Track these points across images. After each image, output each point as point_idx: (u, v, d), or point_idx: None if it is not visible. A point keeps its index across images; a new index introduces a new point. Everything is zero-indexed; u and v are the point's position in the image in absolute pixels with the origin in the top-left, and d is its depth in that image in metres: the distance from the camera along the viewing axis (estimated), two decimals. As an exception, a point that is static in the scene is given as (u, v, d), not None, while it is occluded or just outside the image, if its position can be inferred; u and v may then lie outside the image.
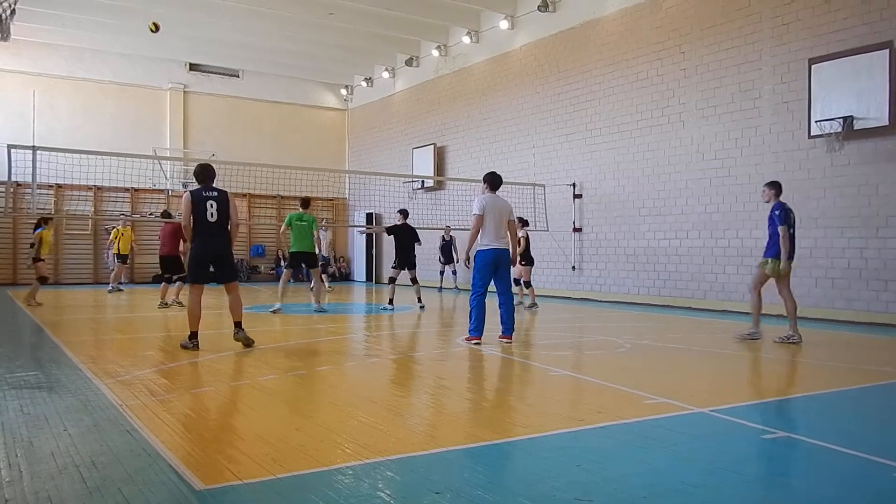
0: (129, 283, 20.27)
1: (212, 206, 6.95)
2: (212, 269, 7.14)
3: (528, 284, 12.69)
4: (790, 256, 7.87)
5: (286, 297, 12.00)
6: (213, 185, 7.19)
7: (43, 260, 12.91)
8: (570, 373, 6.41)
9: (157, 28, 12.11)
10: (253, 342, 7.23)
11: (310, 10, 17.50)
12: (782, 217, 7.90)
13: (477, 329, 7.58)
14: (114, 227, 16.99)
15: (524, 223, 12.79)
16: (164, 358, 6.75)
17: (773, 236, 7.96)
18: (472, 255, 7.84)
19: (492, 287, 7.69)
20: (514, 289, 12.28)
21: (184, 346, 7.05)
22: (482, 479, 3.26)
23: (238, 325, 7.33)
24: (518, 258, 11.54)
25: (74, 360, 6.43)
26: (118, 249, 16.35)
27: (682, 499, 2.99)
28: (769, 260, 7.98)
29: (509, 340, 7.67)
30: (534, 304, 12.47)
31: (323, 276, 15.10)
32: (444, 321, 11.09)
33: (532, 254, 12.88)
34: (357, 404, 4.86)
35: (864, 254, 10.53)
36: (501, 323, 7.74)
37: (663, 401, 4.82)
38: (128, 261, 17.30)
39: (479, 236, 7.58)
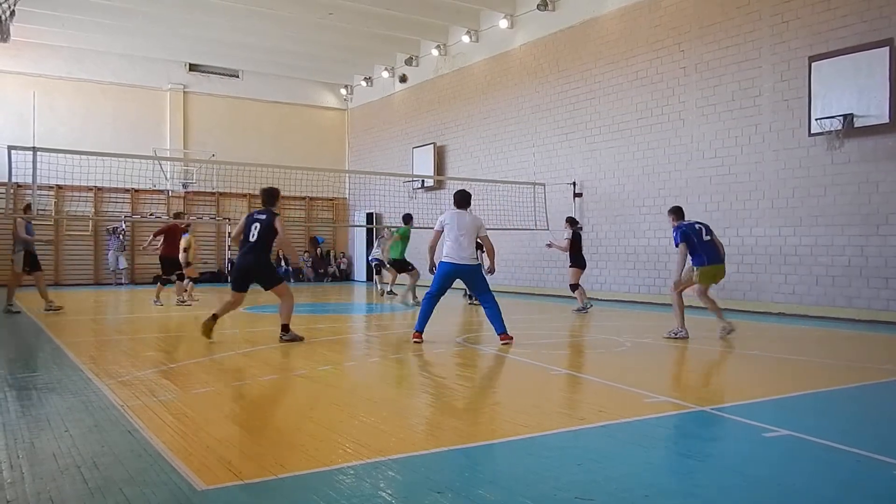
0: (130, 284, 20.29)
1: (255, 227, 7.79)
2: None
3: (573, 287, 11.88)
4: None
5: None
6: (273, 207, 8.05)
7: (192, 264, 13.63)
8: (570, 372, 6.41)
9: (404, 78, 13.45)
10: (301, 338, 7.85)
11: (309, 10, 17.49)
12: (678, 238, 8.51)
13: (419, 325, 7.76)
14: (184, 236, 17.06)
15: (573, 223, 12.18)
16: (164, 358, 6.76)
17: (700, 246, 8.47)
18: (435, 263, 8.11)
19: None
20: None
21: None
22: (483, 479, 3.26)
23: (284, 328, 7.88)
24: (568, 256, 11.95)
25: (75, 360, 6.44)
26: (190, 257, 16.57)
27: (683, 498, 2.99)
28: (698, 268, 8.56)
29: (506, 339, 7.60)
30: (582, 308, 11.55)
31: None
32: (450, 321, 11.08)
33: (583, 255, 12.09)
34: (358, 404, 4.87)
35: (864, 251, 10.53)
36: (493, 326, 7.73)
37: (664, 399, 4.82)
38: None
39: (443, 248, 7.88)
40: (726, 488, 3.12)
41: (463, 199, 8.04)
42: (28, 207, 11.87)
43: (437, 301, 7.89)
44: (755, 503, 2.98)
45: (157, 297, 12.82)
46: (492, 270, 8.38)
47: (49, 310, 11.29)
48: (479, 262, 7.98)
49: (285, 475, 3.20)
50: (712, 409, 4.58)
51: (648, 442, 3.83)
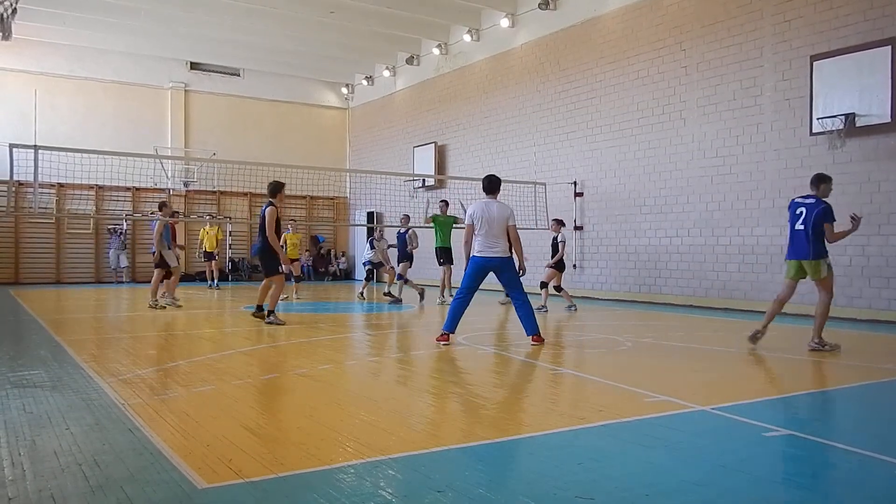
0: (131, 283, 20.31)
1: (258, 219, 9.49)
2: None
3: (543, 285, 11.97)
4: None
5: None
6: (272, 199, 9.39)
7: (297, 260, 15.28)
8: (571, 371, 6.41)
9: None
10: (282, 323, 9.14)
11: (310, 8, 17.50)
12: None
13: (447, 324, 7.47)
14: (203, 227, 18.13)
15: (560, 224, 12.09)
16: (165, 357, 6.76)
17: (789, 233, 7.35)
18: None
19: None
20: (541, 291, 12.02)
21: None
22: (483, 478, 3.26)
23: (268, 312, 9.22)
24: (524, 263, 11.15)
25: (76, 358, 6.44)
26: (205, 247, 17.62)
27: (683, 497, 2.99)
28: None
29: (536, 341, 7.38)
30: (542, 308, 11.55)
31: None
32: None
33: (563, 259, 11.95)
34: (358, 403, 4.87)
35: (865, 251, 10.52)
36: (524, 327, 7.58)
37: (664, 399, 4.82)
38: (215, 257, 18.08)
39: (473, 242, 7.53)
40: (727, 488, 3.11)
41: (491, 185, 7.54)
42: (164, 205, 12.40)
43: (469, 300, 7.56)
44: (755, 503, 2.98)
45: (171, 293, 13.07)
46: (522, 270, 7.57)
47: (153, 306, 11.80)
48: (511, 255, 7.57)
49: (286, 473, 3.20)
50: (712, 408, 4.58)
51: (649, 441, 3.83)
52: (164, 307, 11.78)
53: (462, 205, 13.58)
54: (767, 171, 11.76)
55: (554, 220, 12.44)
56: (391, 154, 22.06)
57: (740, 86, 12.12)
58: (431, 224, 13.16)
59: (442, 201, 13.57)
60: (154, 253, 12.15)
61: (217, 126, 22.37)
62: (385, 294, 14.53)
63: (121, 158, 14.29)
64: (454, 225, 13.07)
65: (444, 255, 13.13)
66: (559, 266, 11.93)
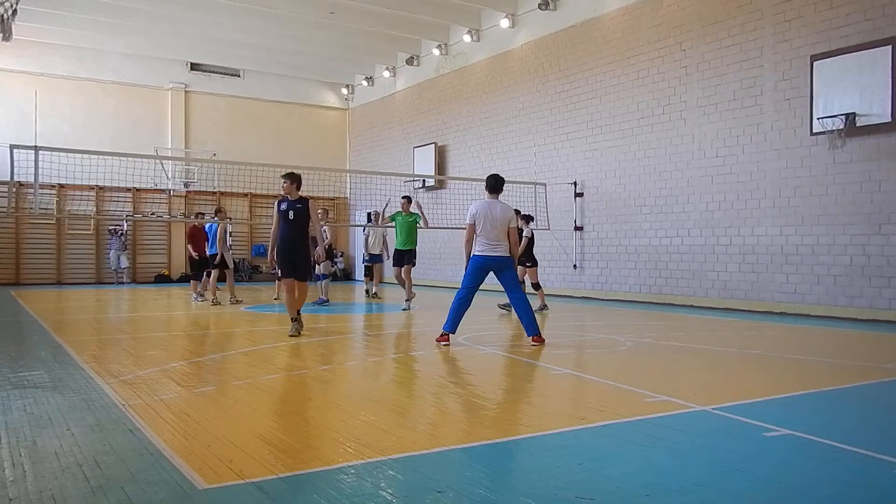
0: (131, 283, 20.31)
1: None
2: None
3: (536, 286, 11.91)
4: None
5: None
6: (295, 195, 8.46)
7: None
8: (571, 371, 6.41)
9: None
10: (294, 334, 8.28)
11: (310, 9, 17.51)
12: None
13: (447, 325, 7.45)
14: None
15: (528, 219, 11.98)
16: (166, 357, 6.76)
17: None
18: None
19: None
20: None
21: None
22: (484, 478, 3.26)
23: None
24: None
25: (77, 359, 6.45)
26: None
27: (684, 497, 2.99)
28: None
29: (537, 342, 7.37)
30: (544, 307, 11.65)
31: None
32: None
33: (535, 254, 12.04)
34: (359, 403, 4.87)
35: (866, 251, 10.52)
36: (524, 327, 7.58)
37: (664, 399, 4.82)
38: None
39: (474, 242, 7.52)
40: (727, 488, 3.12)
41: (496, 185, 7.55)
42: (219, 210, 13.33)
43: (471, 300, 7.53)
44: (756, 503, 2.98)
45: (197, 292, 13.73)
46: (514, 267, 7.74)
47: (199, 299, 13.10)
48: (511, 255, 7.60)
49: (286, 474, 3.20)
50: (713, 408, 4.58)
51: (649, 441, 3.83)
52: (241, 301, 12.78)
53: (418, 203, 13.36)
54: (768, 171, 11.76)
55: (521, 215, 12.27)
56: (391, 154, 22.07)
57: (740, 85, 12.12)
58: (391, 223, 12.79)
59: (404, 197, 12.87)
60: (216, 254, 12.88)
61: (217, 127, 22.38)
62: (371, 294, 14.61)
63: (121, 159, 14.32)
64: (417, 225, 12.49)
65: (408, 256, 12.39)
66: (532, 261, 11.84)
